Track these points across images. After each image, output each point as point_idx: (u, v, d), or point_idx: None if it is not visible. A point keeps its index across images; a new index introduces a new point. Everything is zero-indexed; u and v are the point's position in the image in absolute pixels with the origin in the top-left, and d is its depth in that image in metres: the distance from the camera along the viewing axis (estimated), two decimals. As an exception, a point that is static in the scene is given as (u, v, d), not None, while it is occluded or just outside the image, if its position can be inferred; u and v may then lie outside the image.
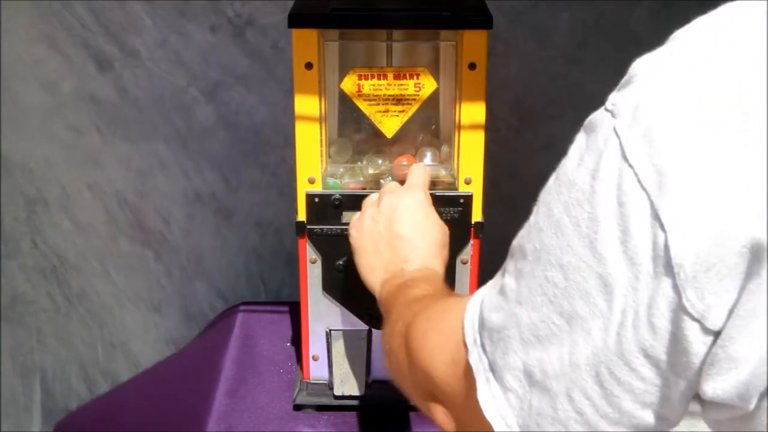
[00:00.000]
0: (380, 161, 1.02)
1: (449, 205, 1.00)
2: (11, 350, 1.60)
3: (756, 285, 0.40)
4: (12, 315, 1.57)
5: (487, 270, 0.59)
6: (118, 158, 1.44)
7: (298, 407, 1.14)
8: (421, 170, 0.95)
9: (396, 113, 0.98)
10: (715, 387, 0.43)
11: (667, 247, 0.42)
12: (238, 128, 1.41)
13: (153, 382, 1.36)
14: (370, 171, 1.02)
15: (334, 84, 0.99)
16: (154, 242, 1.51)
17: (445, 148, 1.03)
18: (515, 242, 0.54)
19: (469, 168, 1.00)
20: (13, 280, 1.55)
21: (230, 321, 1.35)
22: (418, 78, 0.97)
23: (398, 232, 0.87)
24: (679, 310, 0.43)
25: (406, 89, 0.97)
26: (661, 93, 0.45)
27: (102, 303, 1.56)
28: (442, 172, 1.01)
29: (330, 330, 1.08)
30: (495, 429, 0.52)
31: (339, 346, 1.08)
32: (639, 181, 0.44)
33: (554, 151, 0.52)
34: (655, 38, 0.50)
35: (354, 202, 0.98)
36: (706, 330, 0.42)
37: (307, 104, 0.97)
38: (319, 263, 1.04)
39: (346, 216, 0.99)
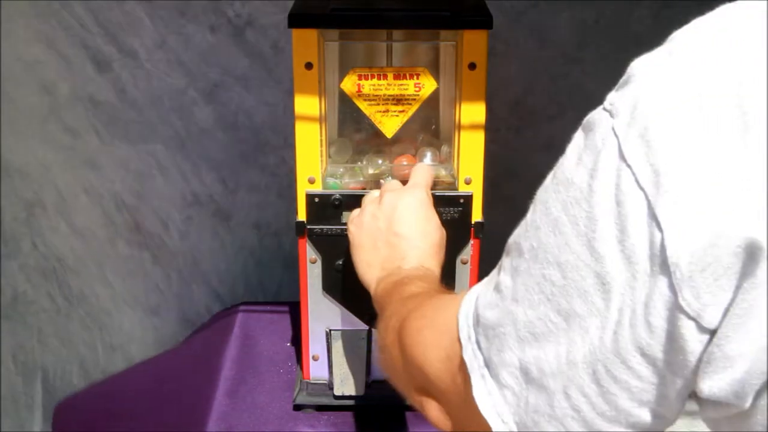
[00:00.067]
0: (380, 161, 1.02)
1: (449, 205, 1.00)
2: (12, 349, 1.60)
3: (751, 284, 0.40)
4: (13, 314, 1.57)
5: (487, 270, 0.59)
6: (116, 160, 1.44)
7: (298, 407, 1.14)
8: (424, 170, 0.96)
9: (396, 113, 0.98)
10: (711, 385, 0.43)
11: (663, 246, 0.43)
12: (238, 129, 1.40)
13: (152, 378, 1.36)
14: (370, 171, 1.02)
15: (334, 84, 0.99)
16: (152, 245, 1.50)
17: (445, 148, 1.03)
18: (511, 240, 0.54)
19: (469, 168, 1.00)
20: (14, 279, 1.55)
21: (230, 321, 1.35)
22: (418, 78, 0.97)
23: (397, 231, 0.88)
24: (676, 308, 0.43)
25: (406, 89, 0.97)
26: (659, 93, 0.45)
27: (101, 305, 1.56)
28: (442, 172, 1.01)
29: (330, 330, 1.08)
30: (491, 425, 0.52)
31: (339, 346, 1.08)
32: (637, 181, 0.44)
33: (554, 151, 0.52)
34: (655, 38, 0.50)
35: (354, 202, 0.98)
36: (701, 328, 0.42)
37: (307, 104, 0.97)
38: (319, 263, 1.04)
39: (346, 216, 0.99)
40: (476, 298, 0.56)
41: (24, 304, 1.57)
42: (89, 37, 1.34)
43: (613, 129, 0.46)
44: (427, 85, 0.97)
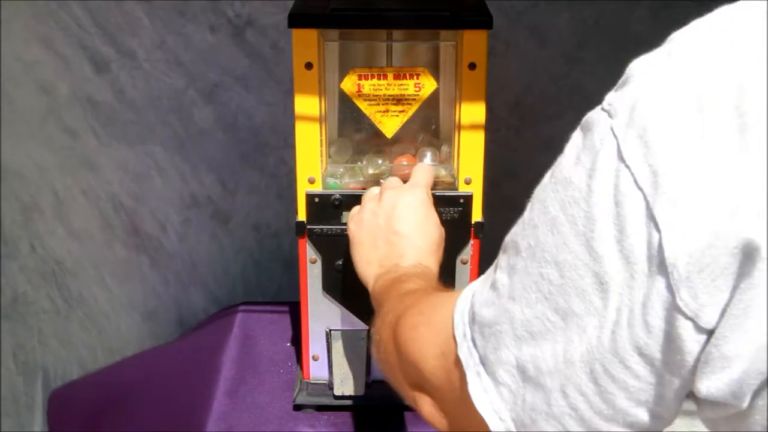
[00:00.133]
0: (380, 161, 1.02)
1: (449, 205, 1.00)
2: (13, 349, 1.60)
3: (748, 285, 0.40)
4: (13, 314, 1.57)
5: (487, 270, 0.59)
6: (114, 162, 1.43)
7: (298, 407, 1.14)
8: (425, 170, 0.96)
9: (396, 113, 0.98)
10: (709, 385, 0.43)
11: (661, 247, 0.43)
12: (237, 130, 1.40)
13: (152, 378, 1.36)
14: (370, 171, 1.02)
15: (334, 84, 0.99)
16: (149, 248, 1.50)
17: (445, 148, 1.03)
18: (508, 238, 0.54)
19: (469, 168, 1.00)
20: (14, 280, 1.55)
21: (230, 321, 1.35)
22: (418, 78, 0.97)
23: (397, 229, 0.88)
24: (673, 309, 0.43)
25: (406, 89, 0.97)
26: (658, 94, 0.45)
27: (99, 308, 1.55)
28: (442, 172, 1.01)
29: (330, 330, 1.08)
30: (488, 422, 0.52)
31: (339, 346, 1.08)
32: (635, 181, 0.44)
33: (554, 151, 0.52)
34: (654, 38, 0.50)
35: (354, 202, 0.98)
36: (699, 328, 0.42)
37: (307, 104, 0.97)
38: (319, 263, 1.04)
39: (346, 216, 0.99)
40: (472, 295, 0.56)
41: (24, 305, 1.56)
42: (87, 37, 1.33)
43: (611, 129, 0.46)
44: (427, 85, 0.97)
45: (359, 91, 0.97)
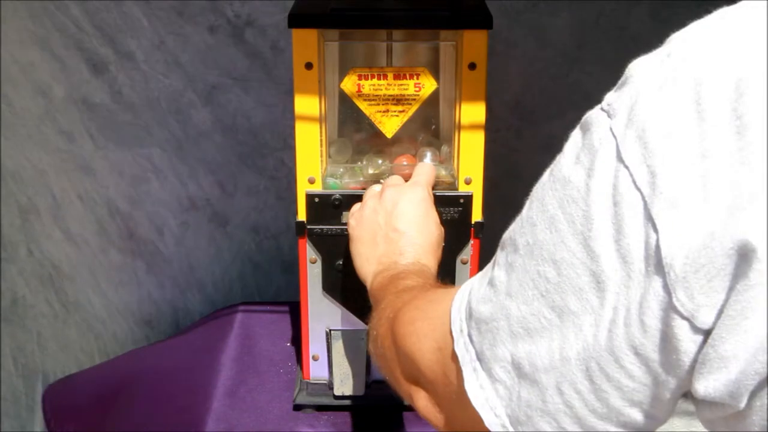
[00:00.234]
0: (380, 161, 1.02)
1: (449, 205, 1.00)
2: (12, 352, 1.59)
3: (744, 286, 0.40)
4: (13, 317, 1.56)
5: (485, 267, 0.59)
6: (111, 165, 1.42)
7: (298, 407, 1.14)
8: (427, 169, 0.96)
9: (396, 113, 0.98)
10: (706, 385, 0.43)
11: (658, 247, 0.43)
12: (236, 131, 1.39)
13: (151, 379, 1.36)
14: (370, 171, 1.02)
15: (334, 84, 0.99)
16: (145, 252, 1.49)
17: (445, 148, 1.03)
18: (506, 235, 0.54)
19: (469, 168, 1.00)
20: (13, 283, 1.54)
21: (230, 321, 1.35)
22: (418, 78, 0.97)
23: (396, 227, 0.89)
24: (670, 309, 0.43)
25: (406, 89, 0.97)
26: (657, 94, 0.45)
27: (95, 314, 1.54)
28: (442, 172, 1.01)
29: (330, 330, 1.08)
30: (484, 418, 0.52)
31: (339, 346, 1.08)
32: (634, 182, 0.44)
33: (554, 151, 0.52)
34: (654, 38, 0.50)
35: (354, 202, 0.98)
36: (695, 329, 0.43)
37: (307, 104, 0.97)
38: (319, 263, 1.04)
39: (346, 216, 0.99)
40: (470, 291, 0.57)
41: (23, 308, 1.55)
42: (85, 38, 1.32)
43: (611, 129, 0.46)
44: (427, 85, 0.97)
45: (359, 91, 0.97)
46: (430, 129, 1.05)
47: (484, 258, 1.02)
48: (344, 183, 1.02)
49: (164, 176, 1.43)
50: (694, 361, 0.43)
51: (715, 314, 0.42)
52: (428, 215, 0.91)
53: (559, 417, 0.49)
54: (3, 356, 1.58)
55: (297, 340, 1.20)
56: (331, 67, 0.99)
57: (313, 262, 1.05)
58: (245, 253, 1.49)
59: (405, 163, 1.01)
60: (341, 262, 1.03)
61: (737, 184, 0.41)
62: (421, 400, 0.64)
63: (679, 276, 0.42)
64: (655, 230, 0.43)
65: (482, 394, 0.53)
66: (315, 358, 1.11)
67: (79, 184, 1.44)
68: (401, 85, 0.97)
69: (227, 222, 1.47)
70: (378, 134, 1.00)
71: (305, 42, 0.95)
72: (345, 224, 0.98)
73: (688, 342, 0.43)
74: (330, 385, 1.11)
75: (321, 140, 0.99)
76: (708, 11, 0.47)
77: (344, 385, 1.10)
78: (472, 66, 0.96)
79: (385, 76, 0.97)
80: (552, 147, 0.53)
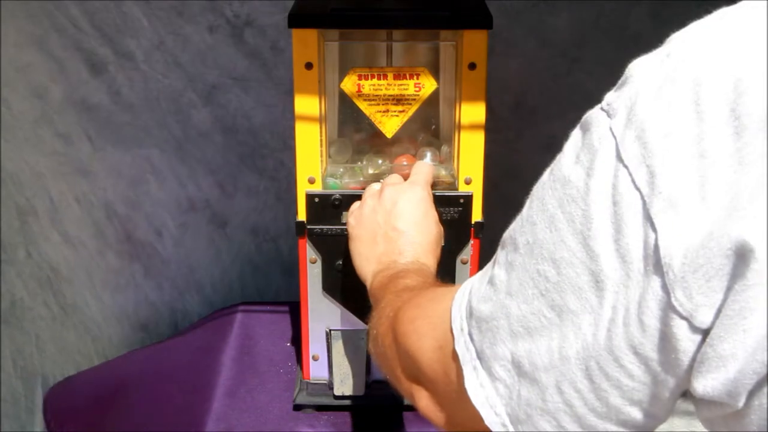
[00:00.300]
0: (380, 161, 1.02)
1: (449, 205, 1.00)
2: (12, 354, 1.59)
3: (742, 286, 0.41)
4: (12, 319, 1.55)
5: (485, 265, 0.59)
6: (109, 166, 1.41)
7: (298, 407, 1.14)
8: (425, 168, 0.97)
9: (396, 113, 0.98)
10: (705, 385, 0.43)
11: (657, 246, 0.43)
12: (236, 132, 1.39)
13: (151, 379, 1.36)
14: (370, 171, 1.02)
15: (334, 84, 0.99)
16: (143, 255, 1.47)
17: (445, 148, 1.03)
18: (506, 234, 0.54)
19: (469, 168, 1.00)
20: (12, 285, 1.53)
21: (230, 321, 1.35)
22: (418, 78, 0.97)
23: (396, 226, 0.89)
24: (668, 308, 0.43)
25: (406, 89, 0.97)
26: (656, 94, 0.45)
27: (92, 317, 1.54)
28: (442, 172, 1.01)
29: (330, 330, 1.08)
30: (483, 417, 0.53)
31: (339, 346, 1.08)
32: (633, 181, 0.44)
33: (555, 151, 0.52)
34: (654, 38, 0.50)
35: (354, 202, 0.98)
36: (694, 328, 0.43)
37: (307, 104, 0.97)
38: (319, 263, 1.04)
39: (346, 216, 0.99)
40: (470, 290, 0.57)
41: (21, 310, 1.54)
42: (84, 38, 1.32)
43: (610, 129, 0.46)
44: (427, 85, 0.97)
45: (359, 91, 0.97)
46: (430, 129, 1.05)
47: (484, 258, 1.01)
48: (344, 183, 1.02)
49: (163, 177, 1.42)
50: (693, 360, 0.44)
51: (714, 314, 0.42)
52: (427, 214, 0.92)
53: (558, 416, 0.49)
54: (3, 358, 1.58)
55: (297, 340, 1.20)
56: (331, 67, 0.99)
57: (313, 262, 1.05)
58: (245, 254, 1.48)
59: (405, 162, 1.01)
60: (341, 262, 1.03)
61: (735, 185, 0.41)
62: (422, 399, 0.64)
63: (678, 276, 0.42)
64: (654, 230, 0.43)
65: (482, 392, 0.53)
66: (315, 358, 1.11)
67: (77, 187, 1.43)
68: (401, 85, 0.97)
69: (226, 223, 1.46)
70: (378, 134, 1.00)
71: (305, 42, 0.95)
72: (345, 224, 0.98)
73: (686, 341, 0.43)
74: (330, 385, 1.11)
75: (321, 140, 0.99)
76: (708, 11, 0.47)
77: (344, 385, 1.10)
78: (472, 66, 0.96)
79: (385, 76, 0.97)
80: (552, 147, 0.53)
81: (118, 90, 1.36)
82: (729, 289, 0.41)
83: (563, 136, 0.52)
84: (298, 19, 0.94)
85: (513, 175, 1.30)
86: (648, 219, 0.44)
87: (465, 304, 0.56)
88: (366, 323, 1.05)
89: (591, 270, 0.46)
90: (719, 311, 0.42)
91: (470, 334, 0.55)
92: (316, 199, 1.01)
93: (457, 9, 0.96)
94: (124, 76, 1.35)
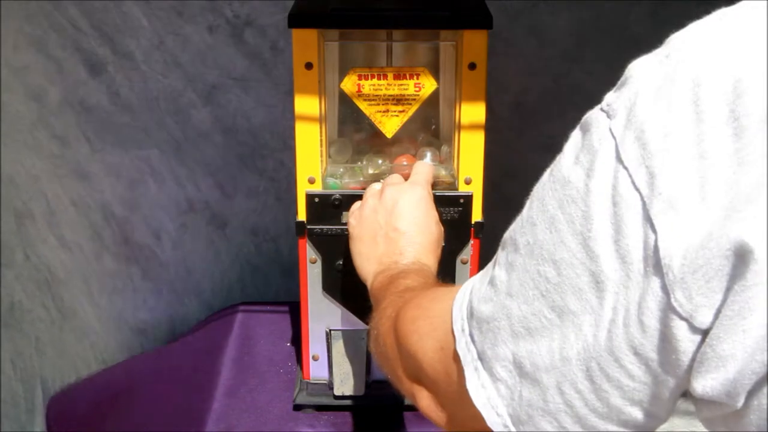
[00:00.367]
0: (380, 161, 1.02)
1: (449, 205, 1.00)
2: (11, 356, 1.58)
3: (741, 287, 0.41)
4: (11, 321, 1.55)
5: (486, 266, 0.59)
6: (107, 168, 1.40)
7: (298, 407, 1.14)
8: (425, 167, 0.97)
9: (396, 113, 0.98)
10: (704, 385, 0.43)
11: (657, 247, 0.43)
12: (235, 132, 1.38)
13: (151, 380, 1.36)
14: (370, 171, 1.02)
15: (334, 84, 0.99)
16: (141, 258, 1.47)
17: (445, 148, 1.03)
18: (507, 235, 0.54)
19: (469, 168, 1.00)
20: (11, 288, 1.52)
21: (230, 321, 1.35)
22: (418, 78, 0.97)
23: (396, 226, 0.89)
24: (668, 309, 0.43)
25: (406, 89, 0.97)
26: (656, 95, 0.45)
27: (88, 321, 1.53)
28: (442, 172, 1.01)
29: (330, 330, 1.08)
30: (485, 417, 0.53)
31: (339, 346, 1.08)
32: (633, 182, 0.44)
33: (555, 151, 0.52)
34: (654, 38, 0.50)
35: (354, 202, 0.98)
36: (694, 329, 0.43)
37: (307, 104, 0.97)
38: (319, 263, 1.04)
39: (346, 216, 0.99)
40: (471, 290, 0.57)
41: (20, 313, 1.53)
42: (83, 39, 1.31)
43: (610, 130, 0.46)
44: (427, 85, 0.97)
45: (359, 91, 0.97)
46: (430, 129, 1.05)
47: (484, 258, 1.02)
48: (344, 183, 1.02)
49: (162, 178, 1.42)
50: (693, 360, 0.44)
51: (713, 314, 0.42)
52: (428, 214, 0.92)
53: (560, 416, 0.49)
54: (2, 360, 1.57)
55: (297, 340, 1.20)
56: (331, 67, 0.99)
57: (313, 262, 1.05)
58: (244, 256, 1.48)
59: (405, 162, 1.01)
60: (341, 262, 1.03)
61: (735, 186, 0.41)
62: (424, 399, 0.64)
63: (678, 276, 0.42)
64: (654, 231, 0.43)
65: (484, 393, 0.53)
66: (315, 358, 1.11)
67: (74, 190, 1.42)
68: (401, 85, 0.97)
69: (226, 224, 1.46)
70: (378, 134, 1.00)
71: (305, 42, 0.95)
72: (345, 224, 0.98)
73: (686, 342, 0.43)
74: (330, 385, 1.11)
75: (321, 140, 0.99)
76: (708, 11, 0.47)
77: (344, 385, 1.10)
78: (472, 66, 0.96)
79: (385, 76, 0.97)
80: (552, 147, 0.53)
81: (117, 90, 1.35)
82: (728, 289, 0.41)
83: (563, 136, 0.52)
84: (298, 19, 0.94)
85: (513, 175, 1.30)
86: (648, 220, 0.44)
87: (466, 305, 0.56)
88: (366, 323, 1.05)
89: (591, 271, 0.46)
90: (719, 312, 0.42)
91: (471, 335, 0.55)
92: (316, 199, 1.01)
93: (457, 9, 0.96)
94: (124, 76, 1.34)
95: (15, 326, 1.55)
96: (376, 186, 0.97)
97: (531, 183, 0.53)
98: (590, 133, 0.48)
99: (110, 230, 1.45)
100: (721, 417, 0.45)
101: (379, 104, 0.98)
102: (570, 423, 0.49)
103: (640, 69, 0.47)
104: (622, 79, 0.48)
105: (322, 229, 1.02)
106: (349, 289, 1.03)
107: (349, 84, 0.97)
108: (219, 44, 1.33)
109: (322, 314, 1.07)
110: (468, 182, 1.00)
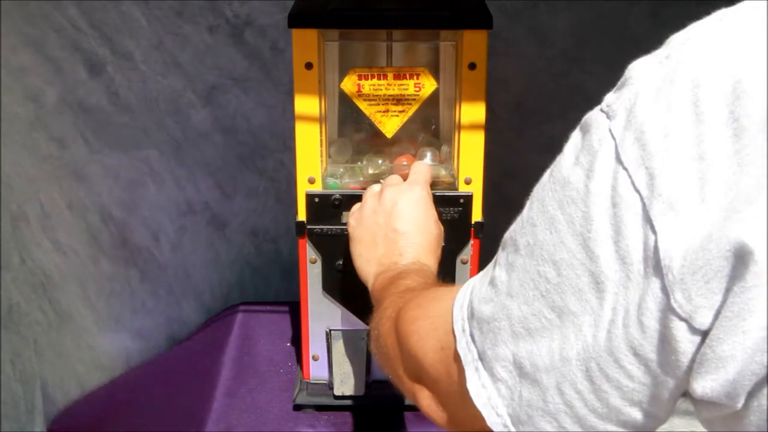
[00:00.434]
0: (380, 161, 1.02)
1: (449, 205, 1.00)
2: (11, 357, 1.58)
3: (741, 288, 0.41)
4: (10, 324, 1.54)
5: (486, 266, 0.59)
6: (106, 169, 1.39)
7: (298, 407, 1.14)
8: (423, 168, 0.97)
9: (396, 113, 0.98)
10: (704, 386, 0.43)
11: (656, 248, 0.43)
12: (235, 132, 1.38)
13: (152, 378, 1.36)
14: (370, 171, 1.02)
15: (334, 84, 0.99)
16: (139, 260, 1.46)
17: (445, 148, 1.03)
18: (507, 235, 0.54)
19: (469, 168, 1.00)
20: (9, 290, 1.51)
21: (230, 321, 1.35)
22: (418, 78, 0.97)
23: (396, 227, 0.89)
24: (668, 310, 0.43)
25: (406, 89, 0.97)
26: (656, 96, 0.45)
27: (86, 326, 1.52)
28: (442, 172, 1.01)
29: (330, 330, 1.08)
30: (485, 417, 0.53)
31: (339, 346, 1.08)
32: (632, 183, 0.44)
33: (555, 152, 0.52)
34: (654, 38, 0.50)
35: (354, 202, 0.98)
36: (693, 330, 0.43)
37: (307, 104, 0.97)
38: (319, 263, 1.04)
39: (346, 216, 0.99)
40: (471, 291, 0.57)
41: (18, 315, 1.52)
42: (82, 39, 1.30)
43: (610, 131, 0.46)
44: (427, 85, 0.97)
45: (359, 91, 0.97)
46: (430, 129, 1.05)
47: (484, 258, 1.02)
48: (344, 183, 1.02)
49: (161, 180, 1.41)
50: (692, 361, 0.44)
51: (713, 315, 0.42)
52: (427, 214, 0.92)
53: (559, 417, 0.49)
54: (2, 362, 1.57)
55: (297, 340, 1.20)
56: (331, 67, 0.99)
57: (313, 263, 1.05)
58: (244, 257, 1.47)
59: (405, 162, 1.01)
60: (341, 262, 1.03)
61: (734, 187, 0.41)
62: (424, 399, 0.64)
63: (677, 277, 0.42)
64: (654, 232, 0.43)
65: (484, 393, 0.53)
66: (315, 358, 1.11)
67: (72, 191, 1.41)
68: (401, 85, 0.97)
69: (226, 225, 1.45)
70: (378, 134, 1.00)
71: (305, 42, 0.95)
72: (345, 224, 0.98)
73: (686, 343, 0.43)
74: (330, 385, 1.11)
75: (321, 140, 0.99)
76: (708, 12, 0.47)
77: (344, 385, 1.10)
78: (472, 66, 0.96)
79: (385, 76, 0.97)
80: (552, 147, 0.53)
81: (116, 91, 1.35)
82: (728, 290, 0.41)
83: (563, 137, 0.52)
84: (298, 19, 0.94)
85: (513, 175, 1.30)
86: (647, 221, 0.44)
87: (466, 305, 0.57)
88: (366, 323, 1.05)
89: (591, 271, 0.46)
90: (718, 313, 0.42)
91: (472, 335, 0.55)
92: (316, 199, 1.01)
93: (457, 9, 0.96)
94: (123, 76, 1.34)
95: (13, 328, 1.55)
96: (375, 187, 0.97)
97: (531, 183, 0.53)
98: (590, 133, 0.48)
99: (108, 232, 1.44)
100: (721, 418, 0.45)
101: (379, 104, 0.98)
102: (570, 423, 0.49)
103: (640, 70, 0.47)
104: (622, 79, 0.48)
105: (322, 229, 1.02)
106: (349, 289, 1.03)
107: (349, 84, 0.97)
108: (219, 44, 1.32)
109: (322, 314, 1.07)
110: (468, 182, 1.00)
